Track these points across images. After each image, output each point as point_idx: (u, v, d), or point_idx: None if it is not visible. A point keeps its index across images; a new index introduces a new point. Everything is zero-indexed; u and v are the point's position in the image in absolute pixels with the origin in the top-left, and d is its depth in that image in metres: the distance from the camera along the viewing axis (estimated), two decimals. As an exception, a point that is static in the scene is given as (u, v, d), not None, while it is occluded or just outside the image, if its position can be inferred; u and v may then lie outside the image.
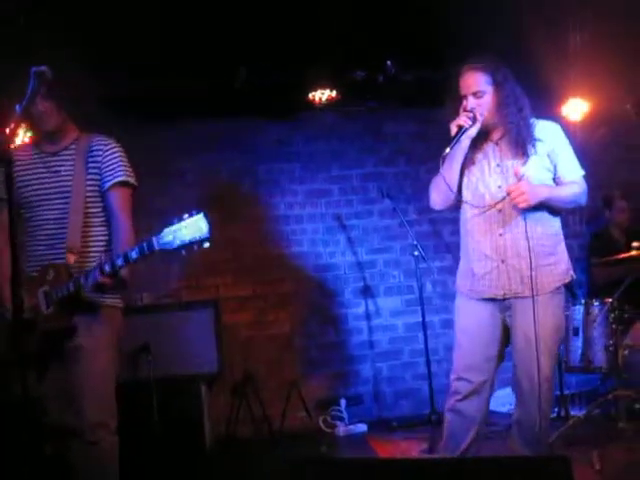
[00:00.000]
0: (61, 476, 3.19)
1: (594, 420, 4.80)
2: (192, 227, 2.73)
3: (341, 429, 5.71)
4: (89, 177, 3.22)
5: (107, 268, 2.93)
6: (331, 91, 5.50)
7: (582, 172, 3.55)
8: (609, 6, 4.88)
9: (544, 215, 3.50)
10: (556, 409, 5.28)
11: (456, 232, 3.78)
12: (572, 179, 3.52)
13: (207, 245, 2.73)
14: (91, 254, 3.23)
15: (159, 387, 4.98)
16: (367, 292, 6.20)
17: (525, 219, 3.42)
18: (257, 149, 6.08)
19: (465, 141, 3.46)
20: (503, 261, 3.45)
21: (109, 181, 3.24)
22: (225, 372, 5.49)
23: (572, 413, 5.18)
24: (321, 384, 6.06)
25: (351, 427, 5.74)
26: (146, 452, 3.70)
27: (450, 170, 3.49)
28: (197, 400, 5.20)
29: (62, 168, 3.23)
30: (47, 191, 3.21)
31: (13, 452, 4.08)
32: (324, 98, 5.51)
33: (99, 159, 3.24)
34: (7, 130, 2.69)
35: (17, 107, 2.69)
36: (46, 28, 4.27)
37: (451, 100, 3.57)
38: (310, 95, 5.51)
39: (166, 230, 2.77)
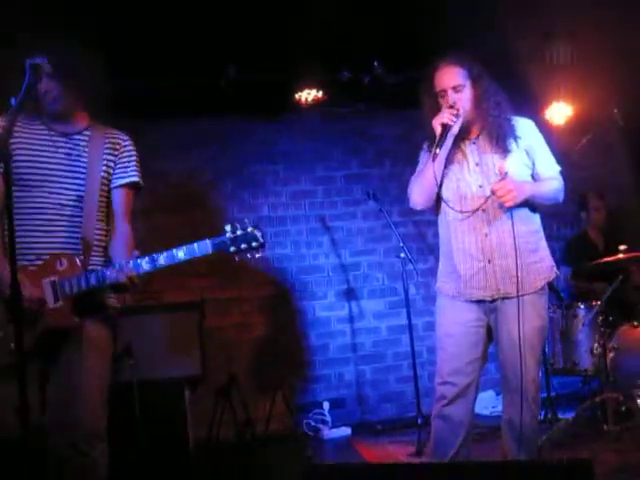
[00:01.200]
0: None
1: (581, 422, 4.81)
2: (248, 235, 2.87)
3: (325, 432, 5.68)
4: (103, 168, 3.05)
5: (147, 266, 2.87)
6: (317, 91, 5.48)
7: (559, 168, 3.58)
8: (594, 11, 4.90)
9: (526, 212, 3.51)
10: (543, 411, 5.28)
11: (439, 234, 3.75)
12: (550, 175, 3.55)
13: (259, 255, 2.90)
14: (97, 250, 3.06)
15: (141, 390, 4.86)
16: (351, 294, 6.17)
17: (510, 217, 3.42)
18: (242, 149, 6.02)
19: (449, 139, 3.43)
20: (490, 261, 3.44)
21: (122, 178, 3.11)
22: (209, 375, 5.40)
23: (559, 415, 5.20)
24: (304, 387, 6.02)
25: (335, 430, 5.72)
26: (129, 455, 3.63)
27: (429, 175, 3.45)
28: (180, 403, 5.08)
29: (74, 152, 3.02)
30: (52, 172, 2.98)
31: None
32: (310, 98, 5.49)
33: (116, 153, 3.10)
34: (4, 125, 2.58)
35: (12, 100, 2.56)
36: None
37: (428, 98, 3.54)
38: (296, 95, 5.47)
39: (221, 238, 2.88)
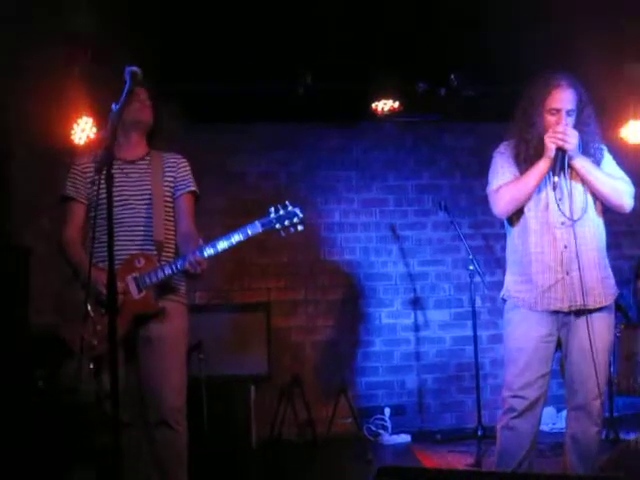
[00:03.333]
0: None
1: (643, 444, 4.77)
2: (289, 212, 3.35)
3: (385, 438, 5.75)
4: (165, 185, 3.58)
5: (209, 250, 3.29)
6: (393, 102, 5.53)
7: (631, 185, 3.60)
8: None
9: (600, 229, 3.60)
10: (605, 431, 5.25)
11: (507, 248, 3.80)
12: (618, 176, 3.59)
13: (301, 228, 3.36)
14: (167, 248, 3.52)
15: (209, 385, 5.05)
16: (417, 303, 6.22)
17: (588, 232, 3.50)
18: (317, 155, 6.16)
19: (566, 166, 3.48)
20: (568, 273, 3.48)
21: (182, 189, 3.63)
22: (273, 374, 5.55)
23: (621, 436, 5.17)
24: (366, 392, 6.10)
25: (395, 437, 5.77)
26: (194, 448, 3.76)
27: (533, 187, 3.52)
28: (245, 400, 5.27)
29: (137, 175, 3.55)
30: (125, 194, 3.48)
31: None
32: (386, 108, 5.54)
33: (174, 171, 3.63)
34: (107, 131, 2.80)
35: (113, 106, 2.80)
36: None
37: (531, 109, 3.55)
38: (373, 105, 5.55)
39: (267, 218, 3.35)
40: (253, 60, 5.08)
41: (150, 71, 3.50)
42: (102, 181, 2.74)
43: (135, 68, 2.86)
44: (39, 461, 4.16)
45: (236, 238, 3.34)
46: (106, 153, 2.71)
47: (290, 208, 3.37)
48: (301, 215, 3.38)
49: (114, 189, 3.32)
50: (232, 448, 5.10)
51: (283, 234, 3.37)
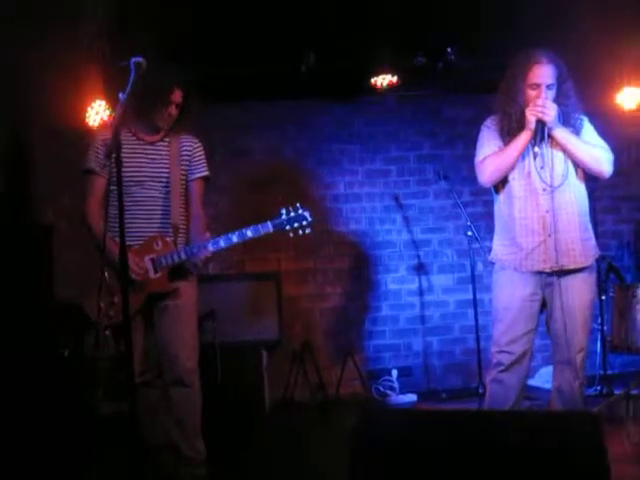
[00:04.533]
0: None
1: (634, 399, 5.01)
2: (299, 216, 3.64)
3: (392, 398, 6.02)
4: (182, 168, 3.79)
5: (223, 243, 3.60)
6: (392, 76, 5.71)
7: (610, 153, 3.81)
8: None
9: (583, 195, 3.83)
10: (599, 387, 5.52)
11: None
12: (596, 144, 3.81)
13: (309, 231, 3.65)
14: (182, 231, 3.81)
15: (223, 351, 5.25)
16: (421, 269, 6.44)
17: (570, 197, 3.75)
18: (320, 130, 6.34)
19: (547, 137, 3.72)
20: (550, 235, 3.73)
21: (196, 174, 3.86)
22: (284, 340, 5.81)
23: (615, 392, 5.41)
24: (374, 355, 6.36)
25: (402, 396, 6.04)
26: (209, 412, 4.02)
27: (516, 158, 3.76)
28: (258, 365, 5.46)
29: (158, 156, 3.75)
30: (145, 174, 3.70)
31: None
32: (385, 83, 5.71)
33: (190, 154, 3.82)
34: (115, 118, 3.03)
35: (120, 96, 2.98)
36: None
37: (513, 83, 3.78)
38: (372, 80, 5.72)
39: (278, 219, 3.63)
40: (259, 44, 5.27)
41: (161, 55, 3.75)
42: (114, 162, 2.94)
43: (140, 59, 2.94)
44: (62, 431, 4.42)
45: (249, 234, 3.61)
46: (114, 140, 2.91)
47: (300, 211, 3.65)
48: (310, 219, 3.66)
49: (133, 169, 3.63)
50: (247, 411, 5.28)
51: (292, 235, 3.66)
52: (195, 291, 3.86)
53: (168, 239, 3.68)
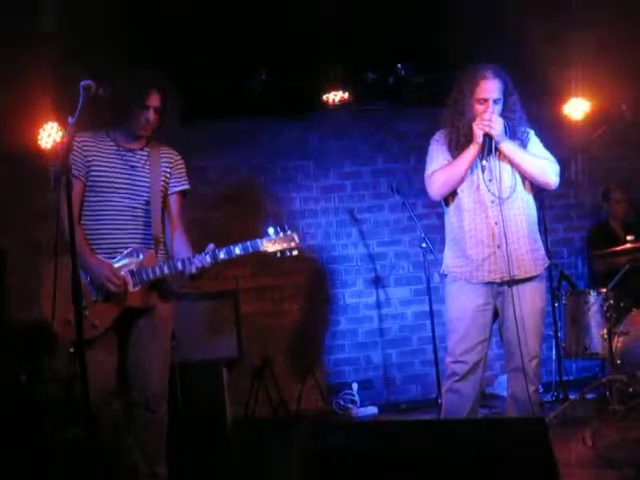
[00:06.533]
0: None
1: (589, 403, 5.13)
2: (287, 239, 3.52)
3: (354, 411, 6.06)
4: (162, 178, 3.66)
5: (209, 259, 3.44)
6: (343, 92, 5.77)
7: (556, 164, 3.89)
8: (610, 6, 5.14)
9: (530, 206, 3.91)
10: (554, 393, 5.61)
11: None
12: (542, 156, 3.90)
13: (295, 253, 3.54)
14: (162, 244, 3.66)
15: (183, 371, 5.19)
16: (378, 282, 6.50)
17: (518, 209, 3.83)
18: (274, 147, 6.36)
19: (494, 151, 3.80)
20: (499, 246, 3.80)
21: (176, 187, 3.74)
22: (244, 358, 5.80)
23: (571, 397, 5.50)
24: (334, 369, 6.39)
25: (363, 409, 6.08)
26: (171, 431, 3.99)
27: (464, 171, 3.83)
28: (218, 383, 5.41)
29: (139, 165, 3.61)
30: (123, 181, 3.56)
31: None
32: (337, 99, 5.78)
33: (170, 166, 3.71)
34: (64, 142, 3.00)
35: (69, 119, 2.94)
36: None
37: (461, 97, 3.86)
38: (324, 97, 5.79)
39: (267, 238, 3.51)
40: (211, 62, 5.32)
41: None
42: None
43: (89, 82, 2.92)
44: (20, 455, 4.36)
45: (237, 251, 3.49)
46: (62, 166, 2.86)
47: (289, 232, 3.53)
48: (297, 241, 3.54)
49: (108, 174, 3.52)
50: (208, 428, 5.28)
51: (279, 256, 3.55)
52: (172, 314, 3.73)
53: (151, 251, 3.54)
